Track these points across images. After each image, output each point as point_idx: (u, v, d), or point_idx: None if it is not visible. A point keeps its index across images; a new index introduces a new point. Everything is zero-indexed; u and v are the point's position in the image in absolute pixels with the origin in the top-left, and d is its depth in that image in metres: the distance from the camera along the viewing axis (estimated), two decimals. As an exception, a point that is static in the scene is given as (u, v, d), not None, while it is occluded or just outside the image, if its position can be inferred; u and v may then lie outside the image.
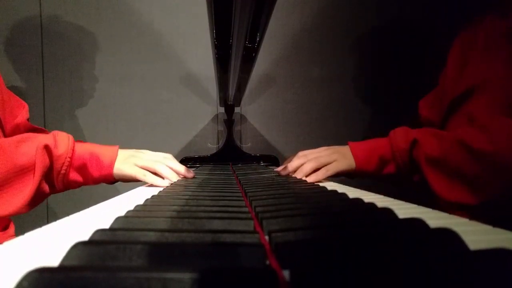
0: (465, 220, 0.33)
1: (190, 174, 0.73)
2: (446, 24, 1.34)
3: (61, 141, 0.64)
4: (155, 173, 0.70)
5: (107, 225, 0.30)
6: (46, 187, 0.64)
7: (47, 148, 0.62)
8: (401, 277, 0.18)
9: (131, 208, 0.38)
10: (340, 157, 0.72)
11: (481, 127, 0.62)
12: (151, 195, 0.49)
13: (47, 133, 0.97)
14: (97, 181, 0.69)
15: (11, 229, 0.81)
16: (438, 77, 0.92)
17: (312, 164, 0.71)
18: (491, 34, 0.73)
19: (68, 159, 0.64)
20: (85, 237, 0.26)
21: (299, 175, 0.72)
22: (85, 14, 1.37)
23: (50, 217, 1.37)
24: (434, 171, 0.65)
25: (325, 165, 0.71)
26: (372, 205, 0.37)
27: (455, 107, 0.79)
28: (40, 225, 0.33)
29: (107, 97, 1.41)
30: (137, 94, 1.42)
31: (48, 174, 0.64)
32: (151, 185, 0.70)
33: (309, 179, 0.69)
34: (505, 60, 0.68)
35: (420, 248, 0.23)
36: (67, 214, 0.38)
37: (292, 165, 0.74)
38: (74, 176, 0.67)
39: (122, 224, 0.31)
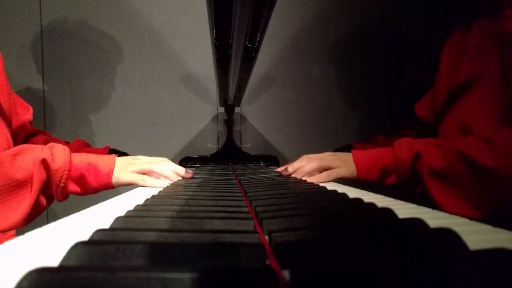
0: (465, 220, 0.33)
1: (189, 174, 0.74)
2: (446, 24, 1.34)
3: (58, 154, 0.63)
4: (153, 175, 0.71)
5: (107, 225, 0.30)
6: (43, 201, 0.64)
7: (44, 162, 0.61)
8: (401, 277, 0.18)
9: (131, 208, 0.38)
10: (342, 164, 0.72)
11: (485, 140, 0.61)
12: (151, 195, 0.49)
13: (48, 136, 0.99)
14: (96, 190, 0.69)
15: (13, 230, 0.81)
16: (435, 78, 0.93)
17: (314, 164, 0.72)
18: (481, 36, 0.75)
19: (66, 172, 0.64)
20: (85, 237, 0.26)
21: (299, 174, 0.73)
22: (85, 14, 1.37)
23: (50, 217, 1.37)
24: (436, 183, 0.65)
25: (327, 169, 0.72)
26: (372, 205, 0.37)
27: (448, 107, 0.81)
28: (40, 225, 0.33)
29: (107, 97, 1.41)
30: (137, 94, 1.42)
31: (46, 188, 0.63)
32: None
33: (310, 179, 0.70)
34: (496, 59, 0.70)
35: (420, 248, 0.23)
36: (67, 214, 0.38)
37: (293, 165, 0.76)
38: (73, 187, 0.67)
39: (122, 224, 0.31)
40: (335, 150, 1.04)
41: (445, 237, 0.24)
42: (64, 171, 0.63)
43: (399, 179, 0.70)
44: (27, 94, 1.35)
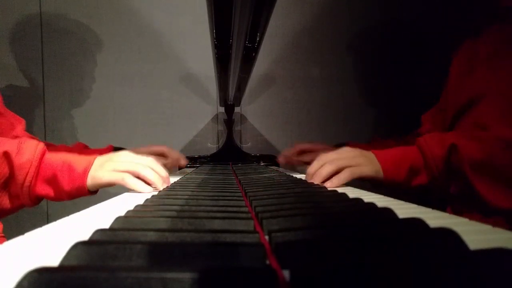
0: (465, 220, 0.33)
1: (167, 182, 0.64)
2: (445, 25, 1.34)
3: (26, 148, 0.56)
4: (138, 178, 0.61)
5: (107, 225, 0.30)
6: (6, 201, 0.56)
7: (6, 155, 0.54)
8: (401, 277, 0.18)
9: (131, 208, 0.38)
10: (365, 161, 0.63)
11: None
12: (151, 195, 0.49)
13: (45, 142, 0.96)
14: (71, 195, 0.59)
15: None
16: (436, 77, 0.92)
17: (329, 169, 0.62)
18: (494, 44, 0.71)
19: (33, 169, 0.56)
20: (85, 237, 0.26)
21: (316, 180, 0.63)
22: (85, 13, 1.37)
23: (50, 217, 1.37)
24: (481, 177, 0.58)
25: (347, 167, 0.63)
26: (372, 205, 0.37)
27: (460, 116, 0.76)
28: (40, 225, 0.32)
29: (107, 97, 1.41)
30: (137, 94, 1.42)
31: (9, 186, 0.56)
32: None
33: (329, 184, 0.61)
34: (509, 69, 0.66)
35: (420, 248, 0.23)
36: (67, 214, 0.38)
37: (309, 172, 0.67)
38: (43, 189, 0.58)
39: (122, 224, 0.31)
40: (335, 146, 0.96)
41: (445, 237, 0.24)
42: (30, 167, 0.55)
43: (430, 178, 0.63)
44: (27, 93, 1.35)
